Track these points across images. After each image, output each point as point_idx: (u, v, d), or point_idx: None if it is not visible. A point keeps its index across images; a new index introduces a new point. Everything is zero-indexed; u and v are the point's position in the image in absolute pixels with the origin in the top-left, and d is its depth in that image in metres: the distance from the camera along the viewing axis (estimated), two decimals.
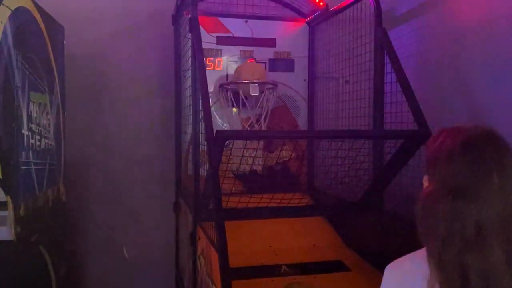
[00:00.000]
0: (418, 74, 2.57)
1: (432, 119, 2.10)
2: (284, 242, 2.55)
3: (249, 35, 3.12)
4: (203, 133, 2.25)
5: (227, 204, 2.19)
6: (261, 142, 2.88)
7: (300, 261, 2.38)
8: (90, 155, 3.33)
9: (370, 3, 2.48)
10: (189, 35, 2.49)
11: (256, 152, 2.72)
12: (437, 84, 2.55)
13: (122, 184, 3.38)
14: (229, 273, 1.76)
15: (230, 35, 3.10)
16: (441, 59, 2.55)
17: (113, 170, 3.37)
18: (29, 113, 2.21)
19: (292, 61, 3.18)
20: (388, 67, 2.35)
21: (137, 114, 3.41)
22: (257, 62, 3.11)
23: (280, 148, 2.99)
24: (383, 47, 2.37)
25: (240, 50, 3.11)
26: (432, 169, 1.09)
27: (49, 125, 2.54)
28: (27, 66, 2.17)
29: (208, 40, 3.00)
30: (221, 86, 2.97)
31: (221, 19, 3.09)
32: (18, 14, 2.09)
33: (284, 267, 2.31)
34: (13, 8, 2.05)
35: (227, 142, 2.05)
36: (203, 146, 2.26)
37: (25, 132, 2.15)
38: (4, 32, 1.99)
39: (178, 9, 3.05)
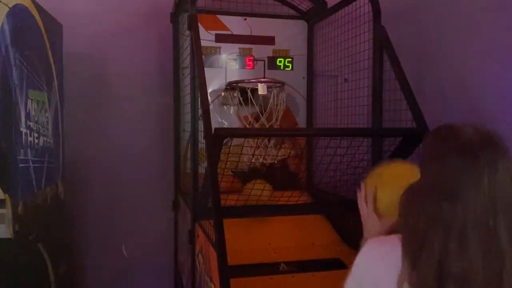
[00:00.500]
0: (417, 72, 2.57)
1: (430, 117, 2.10)
2: (282, 240, 2.55)
3: (248, 33, 3.11)
4: (201, 131, 2.25)
5: (225, 202, 2.19)
6: (272, 140, 2.86)
7: (298, 259, 2.37)
8: (88, 153, 3.32)
9: (369, 0, 2.48)
10: (187, 32, 2.48)
11: (254, 150, 2.71)
12: (436, 81, 2.55)
13: (121, 181, 3.37)
14: (227, 271, 1.76)
15: (229, 32, 3.09)
16: (440, 56, 2.55)
17: (111, 167, 3.36)
18: (27, 111, 2.20)
19: (291, 58, 3.18)
20: (387, 65, 2.35)
21: (136, 112, 3.40)
22: (256, 60, 3.10)
23: (279, 146, 2.98)
24: (382, 44, 2.37)
25: (239, 48, 3.10)
26: (425, 165, 1.07)
27: (47, 123, 2.53)
28: (25, 63, 2.16)
29: (206, 37, 2.99)
30: (229, 84, 2.97)
31: (220, 17, 3.08)
32: (16, 12, 2.08)
33: (282, 265, 2.31)
34: (10, 6, 2.04)
35: (226, 139, 2.05)
36: (202, 144, 2.26)
37: (23, 130, 2.14)
38: (2, 30, 1.98)
39: (177, 7, 3.05)
